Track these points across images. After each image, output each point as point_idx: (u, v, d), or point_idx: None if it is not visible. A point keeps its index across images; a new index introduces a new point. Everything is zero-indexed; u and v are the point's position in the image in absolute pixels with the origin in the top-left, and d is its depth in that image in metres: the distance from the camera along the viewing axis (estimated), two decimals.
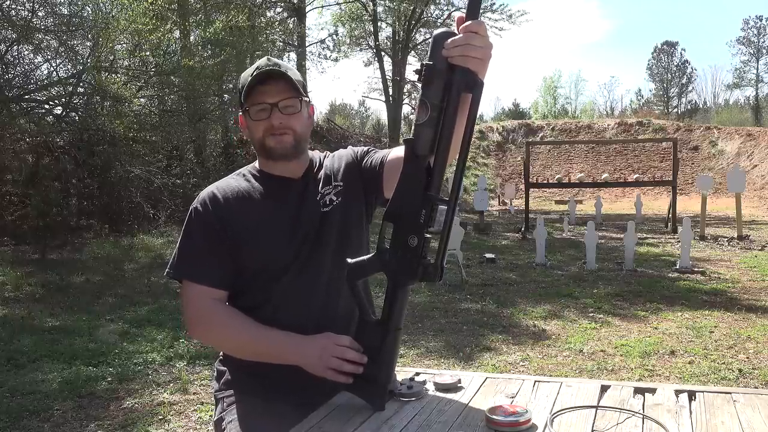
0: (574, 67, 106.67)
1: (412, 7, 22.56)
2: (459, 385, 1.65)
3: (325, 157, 1.72)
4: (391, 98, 23.77)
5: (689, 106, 49.33)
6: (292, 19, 21.19)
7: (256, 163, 1.68)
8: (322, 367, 1.46)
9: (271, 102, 1.55)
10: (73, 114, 11.34)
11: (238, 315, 1.55)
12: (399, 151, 1.50)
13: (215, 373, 1.75)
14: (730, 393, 1.53)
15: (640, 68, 77.58)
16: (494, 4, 24.22)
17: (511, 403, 1.49)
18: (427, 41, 25.00)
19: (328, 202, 1.61)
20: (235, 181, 1.62)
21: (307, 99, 1.63)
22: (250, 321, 1.54)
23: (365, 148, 1.72)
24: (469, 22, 1.24)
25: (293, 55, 21.62)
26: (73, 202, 10.22)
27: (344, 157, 1.70)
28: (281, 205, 1.59)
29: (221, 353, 1.72)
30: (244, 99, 1.58)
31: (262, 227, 1.56)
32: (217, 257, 1.55)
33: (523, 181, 16.90)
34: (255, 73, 1.54)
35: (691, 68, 51.66)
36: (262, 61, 1.59)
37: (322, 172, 1.66)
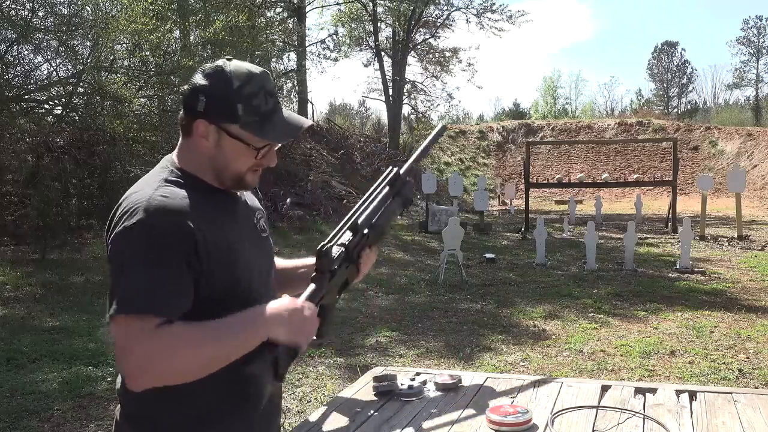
0: (574, 66, 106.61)
1: (411, 8, 22.53)
2: (459, 385, 1.65)
3: None
4: (391, 98, 23.73)
5: (689, 106, 49.29)
6: (292, 19, 21.17)
7: (175, 160, 1.37)
8: (304, 337, 1.32)
9: (274, 144, 1.40)
10: (73, 114, 11.33)
11: (183, 324, 1.23)
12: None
13: None
14: (731, 393, 1.53)
15: (640, 68, 77.42)
16: (494, 4, 24.17)
17: (512, 403, 1.48)
18: (426, 41, 24.96)
19: (264, 228, 1.49)
20: (178, 189, 1.31)
21: None
22: (196, 323, 1.25)
23: None
24: None
25: (293, 55, 21.61)
26: (73, 202, 10.20)
27: None
28: (236, 223, 1.40)
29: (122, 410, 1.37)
30: (256, 132, 1.32)
31: (232, 247, 1.34)
32: (187, 282, 1.25)
33: (523, 181, 16.90)
34: (289, 123, 1.36)
35: (691, 68, 51.63)
36: (272, 97, 1.35)
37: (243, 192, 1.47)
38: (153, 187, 1.30)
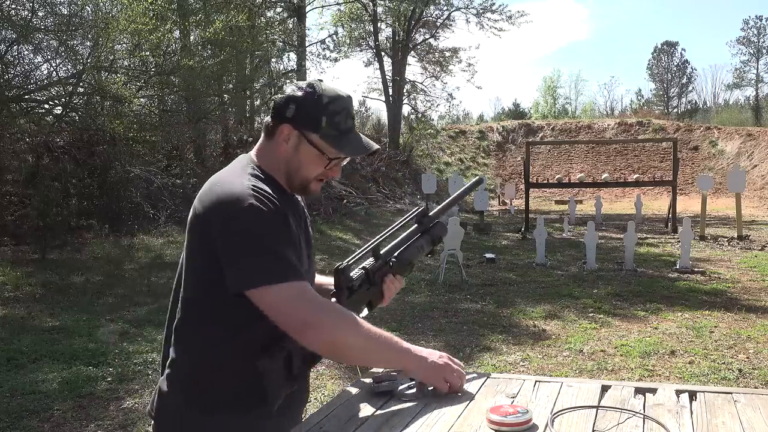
0: (574, 66, 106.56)
1: (411, 8, 22.54)
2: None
3: None
4: (391, 98, 23.74)
5: (689, 106, 49.28)
6: (292, 19, 21.15)
7: (255, 159, 1.48)
8: (440, 377, 1.53)
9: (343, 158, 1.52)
10: (73, 114, 11.34)
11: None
12: None
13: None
14: (731, 393, 1.53)
15: (640, 68, 77.41)
16: (494, 4, 24.18)
17: (512, 403, 1.48)
18: (426, 41, 24.95)
19: (311, 233, 1.58)
20: (263, 183, 1.41)
21: None
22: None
23: None
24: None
25: (293, 55, 21.62)
26: (73, 202, 10.20)
27: None
28: (300, 224, 1.49)
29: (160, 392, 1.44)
30: (333, 144, 1.44)
31: (301, 245, 1.44)
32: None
33: (523, 181, 16.90)
34: (361, 143, 1.49)
35: (691, 68, 51.63)
36: (351, 119, 1.48)
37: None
38: (245, 178, 1.40)
